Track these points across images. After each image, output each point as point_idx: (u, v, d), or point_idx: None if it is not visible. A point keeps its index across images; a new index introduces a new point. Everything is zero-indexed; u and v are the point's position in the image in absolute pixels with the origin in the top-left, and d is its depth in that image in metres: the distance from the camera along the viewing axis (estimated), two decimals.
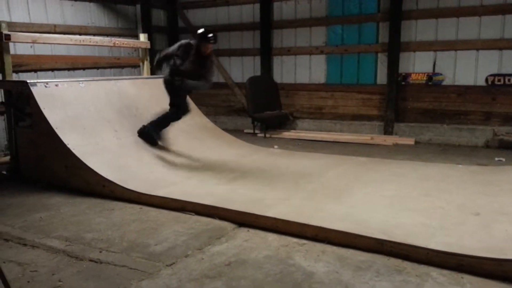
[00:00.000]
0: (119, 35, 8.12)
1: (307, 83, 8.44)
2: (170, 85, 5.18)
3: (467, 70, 6.90)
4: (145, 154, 5.03)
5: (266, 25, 8.56)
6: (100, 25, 8.10)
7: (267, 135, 7.88)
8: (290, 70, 8.61)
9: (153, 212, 3.89)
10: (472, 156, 6.02)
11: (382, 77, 7.65)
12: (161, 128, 5.26)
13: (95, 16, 8.02)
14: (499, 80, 6.67)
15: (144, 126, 5.18)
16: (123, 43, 6.83)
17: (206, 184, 4.47)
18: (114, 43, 6.65)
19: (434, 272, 2.68)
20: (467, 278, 2.60)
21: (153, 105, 5.54)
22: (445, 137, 7.05)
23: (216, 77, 9.24)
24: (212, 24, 9.13)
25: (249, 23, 8.78)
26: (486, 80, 6.76)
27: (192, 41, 5.24)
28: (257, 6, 8.58)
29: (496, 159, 5.65)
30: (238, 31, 8.97)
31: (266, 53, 8.66)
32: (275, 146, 6.80)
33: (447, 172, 4.78)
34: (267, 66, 8.68)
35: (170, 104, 5.26)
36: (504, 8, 6.56)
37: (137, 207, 4.03)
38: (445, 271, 2.68)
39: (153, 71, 8.25)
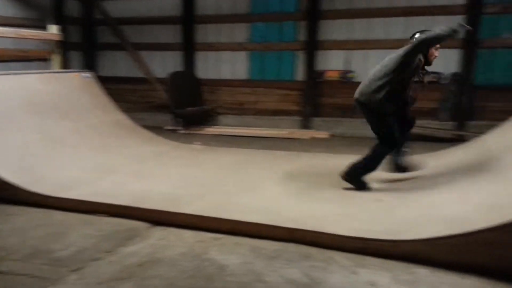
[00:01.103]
0: (28, 26, 7.46)
1: (230, 79, 8.49)
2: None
3: None
4: (54, 153, 4.70)
5: (189, 19, 8.44)
6: (4, 15, 7.38)
7: (189, 132, 7.79)
8: (213, 66, 8.58)
9: (60, 215, 3.64)
10: None
11: (300, 74, 7.94)
12: (370, 170, 4.05)
13: None
14: None
15: (353, 168, 4.06)
16: (30, 35, 6.29)
17: (121, 183, 4.30)
18: (20, 34, 6.09)
19: (340, 256, 2.85)
20: (369, 260, 2.80)
21: (63, 101, 5.20)
22: (357, 130, 7.50)
23: (136, 72, 8.96)
24: (132, 17, 8.80)
25: (171, 17, 8.59)
26: None
27: None
28: None
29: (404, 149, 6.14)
30: (159, 24, 8.73)
31: (189, 48, 8.54)
32: (197, 142, 6.74)
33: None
34: (190, 62, 8.57)
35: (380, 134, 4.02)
36: (411, 10, 7.15)
37: (43, 211, 3.74)
38: (350, 255, 2.86)
39: (66, 65, 7.76)
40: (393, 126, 3.93)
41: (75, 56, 9.07)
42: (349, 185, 4.09)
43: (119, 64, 9.16)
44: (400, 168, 4.26)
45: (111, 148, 5.29)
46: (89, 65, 8.85)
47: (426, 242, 2.74)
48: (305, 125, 7.86)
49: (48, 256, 2.91)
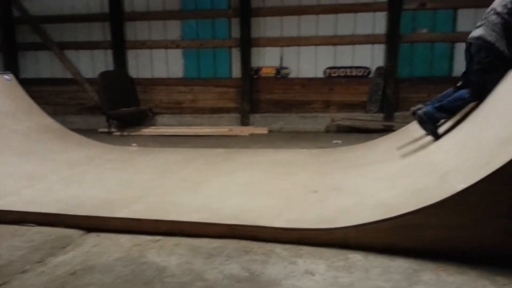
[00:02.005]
0: None
1: (165, 78, 8.32)
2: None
3: (309, 64, 7.66)
4: None
5: (117, 16, 8.12)
6: None
7: (125, 133, 7.53)
8: (146, 65, 8.36)
9: None
10: (315, 140, 6.73)
11: (237, 71, 7.99)
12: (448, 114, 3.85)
13: None
14: (334, 73, 7.58)
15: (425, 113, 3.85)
16: None
17: (51, 190, 4.05)
18: None
19: (278, 248, 2.91)
20: (305, 249, 2.89)
21: None
22: (294, 125, 7.74)
23: (63, 72, 8.48)
24: (55, 15, 8.30)
25: (98, 14, 8.22)
26: (324, 72, 7.62)
27: None
28: None
29: (334, 141, 6.41)
30: (86, 22, 8.32)
31: (119, 46, 8.24)
32: (133, 144, 6.54)
33: (294, 156, 5.25)
34: (120, 60, 8.27)
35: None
36: (337, 8, 7.45)
37: None
38: (287, 246, 2.94)
39: None
40: None
41: None
42: (286, 179, 4.19)
43: (43, 65, 8.61)
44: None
45: (39, 154, 4.96)
46: (9, 66, 8.20)
47: (357, 228, 2.89)
48: (244, 122, 7.92)
49: None
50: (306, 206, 3.50)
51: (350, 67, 7.56)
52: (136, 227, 3.24)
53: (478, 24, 3.77)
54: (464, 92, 3.84)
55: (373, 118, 7.42)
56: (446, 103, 3.88)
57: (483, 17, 3.73)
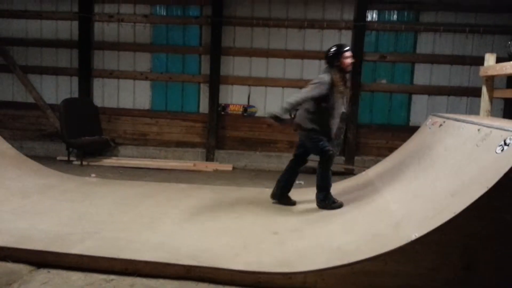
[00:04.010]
0: None
1: (131, 109, 8.24)
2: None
3: (275, 104, 7.80)
4: None
5: (86, 44, 8.08)
6: None
7: (85, 163, 7.31)
8: (112, 94, 8.26)
9: None
10: None
11: (204, 106, 8.05)
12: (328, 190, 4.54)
13: None
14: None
15: (320, 201, 4.51)
16: None
17: (1, 220, 3.85)
18: None
19: None
20: None
21: None
22: (258, 163, 7.81)
23: (24, 97, 8.24)
24: (21, 38, 8.15)
25: (66, 41, 8.14)
26: (290, 113, 7.81)
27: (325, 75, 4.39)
28: (75, 23, 8.04)
29: (297, 182, 6.50)
30: (52, 47, 8.20)
31: (85, 74, 8.13)
32: (92, 175, 6.36)
33: (256, 195, 5.28)
34: (86, 88, 8.14)
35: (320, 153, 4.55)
36: (304, 54, 7.78)
37: None
38: None
39: None
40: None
41: None
42: (247, 218, 4.20)
43: (4, 87, 8.33)
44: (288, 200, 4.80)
45: None
46: None
47: (316, 273, 2.92)
48: (209, 157, 7.92)
49: None
50: (265, 247, 3.51)
51: None
52: (89, 265, 3.12)
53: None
54: (319, 170, 4.59)
55: (335, 161, 7.61)
56: (320, 183, 4.55)
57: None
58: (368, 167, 5.81)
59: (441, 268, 2.78)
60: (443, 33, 7.50)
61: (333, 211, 4.31)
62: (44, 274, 3.05)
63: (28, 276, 3.02)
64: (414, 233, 2.83)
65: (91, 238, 3.54)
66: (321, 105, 4.38)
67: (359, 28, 7.56)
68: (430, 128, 4.78)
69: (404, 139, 5.48)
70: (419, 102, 7.72)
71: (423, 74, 7.66)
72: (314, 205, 4.57)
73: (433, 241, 2.72)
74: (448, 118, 4.45)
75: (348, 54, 4.42)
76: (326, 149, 4.47)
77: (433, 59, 7.59)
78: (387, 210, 3.72)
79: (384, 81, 7.77)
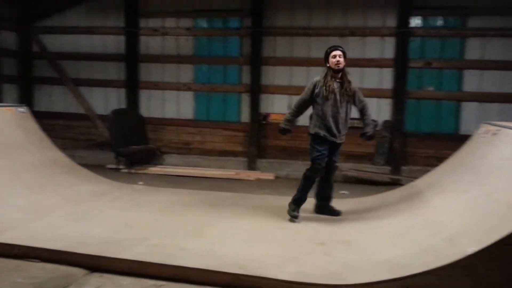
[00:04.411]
0: None
1: (175, 118, 8.47)
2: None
3: None
4: None
5: (133, 57, 8.41)
6: None
7: (132, 171, 7.57)
8: (158, 105, 8.54)
9: None
10: None
11: (245, 116, 8.13)
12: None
13: None
14: None
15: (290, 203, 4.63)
16: None
17: (55, 226, 4.04)
18: None
19: None
20: None
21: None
22: (300, 172, 7.65)
23: (76, 108, 8.67)
24: (73, 52, 8.62)
25: (114, 54, 8.51)
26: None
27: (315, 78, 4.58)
28: (122, 38, 8.40)
29: (341, 192, 6.40)
30: (101, 61, 8.60)
31: (132, 86, 8.45)
32: (140, 182, 6.56)
33: None
34: (133, 99, 8.46)
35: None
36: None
37: None
38: None
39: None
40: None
41: (10, 90, 8.63)
42: (292, 228, 4.17)
43: (56, 99, 8.83)
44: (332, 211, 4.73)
45: (46, 187, 4.99)
46: (24, 99, 8.41)
47: (365, 286, 2.84)
48: (251, 166, 7.96)
49: None
50: (312, 258, 3.46)
51: (358, 119, 7.65)
52: (140, 270, 3.20)
53: None
54: (303, 175, 4.66)
55: (380, 171, 7.44)
56: (299, 188, 4.65)
57: None
58: (416, 178, 5.60)
59: (498, 284, 2.63)
60: (492, 38, 7.18)
61: (380, 222, 4.19)
62: (97, 278, 3.16)
63: (83, 279, 3.14)
64: (471, 247, 2.69)
65: (140, 244, 3.63)
66: (314, 107, 4.54)
67: (403, 34, 7.39)
68: (483, 137, 4.56)
69: (454, 148, 5.24)
70: (468, 109, 7.40)
71: (472, 81, 7.34)
72: (361, 215, 4.47)
73: (493, 256, 2.57)
74: (502, 127, 4.23)
75: (333, 53, 4.46)
76: (316, 162, 4.51)
77: (483, 65, 7.27)
78: (439, 222, 3.57)
79: (431, 88, 7.52)
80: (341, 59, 4.43)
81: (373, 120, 7.50)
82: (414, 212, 4.07)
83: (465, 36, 7.31)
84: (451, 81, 7.46)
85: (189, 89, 8.35)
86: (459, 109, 7.44)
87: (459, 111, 7.44)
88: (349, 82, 4.53)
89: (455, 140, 6.34)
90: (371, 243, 3.68)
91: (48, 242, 3.55)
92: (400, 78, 7.47)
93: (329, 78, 4.43)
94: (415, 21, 7.48)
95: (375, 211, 4.58)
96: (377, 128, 7.60)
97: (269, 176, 7.62)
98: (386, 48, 7.55)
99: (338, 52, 4.45)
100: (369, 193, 5.59)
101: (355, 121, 7.55)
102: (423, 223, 3.72)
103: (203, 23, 8.32)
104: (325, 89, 4.40)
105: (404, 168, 7.48)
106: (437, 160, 6.06)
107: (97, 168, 6.98)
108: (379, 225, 4.10)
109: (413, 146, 7.55)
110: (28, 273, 3.17)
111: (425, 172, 5.44)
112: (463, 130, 7.30)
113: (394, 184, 6.79)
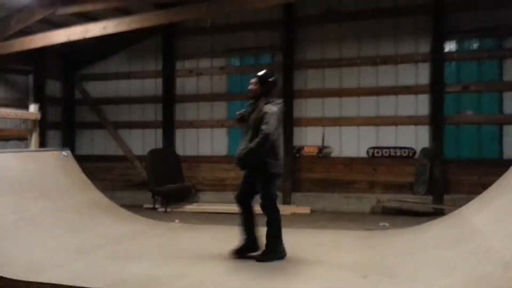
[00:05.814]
0: (9, 106, 7.51)
1: (210, 155, 8.59)
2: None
3: (351, 143, 7.70)
4: (24, 234, 4.48)
5: (169, 99, 8.72)
6: None
7: (168, 210, 7.64)
8: (192, 143, 8.72)
9: None
10: (360, 222, 6.49)
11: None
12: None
13: None
14: (377, 152, 7.53)
15: (263, 254, 4.22)
16: (7, 114, 6.29)
17: (96, 265, 4.09)
18: None
19: None
20: None
21: (40, 180, 5.09)
22: (336, 205, 7.56)
23: (113, 150, 8.99)
24: (112, 97, 9.06)
25: (151, 96, 8.87)
26: (367, 152, 7.59)
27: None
28: (159, 80, 8.77)
29: (381, 224, 6.16)
30: (139, 104, 8.98)
31: (169, 126, 8.72)
32: (176, 220, 6.60)
33: (339, 238, 5.07)
34: (169, 139, 8.70)
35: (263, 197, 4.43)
36: (378, 91, 7.62)
37: None
38: None
39: (44, 144, 7.73)
40: None
41: (54, 135, 9.10)
42: (332, 261, 4.02)
43: (97, 143, 9.21)
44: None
45: (87, 227, 5.10)
46: (67, 143, 8.83)
47: None
48: (286, 201, 7.86)
49: None
50: None
51: (394, 148, 7.51)
52: None
53: None
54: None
55: (422, 201, 7.13)
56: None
57: None
58: (459, 206, 5.32)
59: None
60: None
61: (426, 253, 3.96)
62: None
63: None
64: None
65: (179, 281, 3.60)
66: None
67: (437, 59, 7.27)
68: None
69: (498, 174, 4.97)
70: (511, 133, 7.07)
71: None
72: (402, 245, 4.26)
73: None
74: None
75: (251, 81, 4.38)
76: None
77: None
78: (490, 249, 3.34)
79: (470, 112, 7.27)
80: (251, 86, 4.39)
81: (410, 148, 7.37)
82: (462, 240, 3.83)
83: (503, 57, 7.11)
84: (491, 104, 7.20)
85: (222, 125, 8.50)
86: (501, 133, 7.12)
87: (501, 135, 7.12)
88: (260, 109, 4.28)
89: (499, 165, 6.03)
90: (418, 274, 3.47)
91: (89, 280, 3.58)
92: (436, 104, 7.29)
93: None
94: (450, 46, 7.38)
95: (418, 242, 4.35)
96: (415, 156, 7.37)
97: (305, 209, 7.47)
98: (421, 75, 7.44)
99: (252, 80, 4.42)
100: (410, 224, 5.34)
101: (392, 150, 7.48)
102: (473, 250, 3.50)
103: (236, 61, 8.58)
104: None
105: (446, 197, 7.14)
106: (482, 187, 5.73)
107: (134, 208, 7.10)
108: (425, 256, 3.87)
109: (455, 174, 7.23)
110: None
111: (469, 200, 5.16)
112: (508, 154, 6.96)
113: (437, 214, 6.46)
